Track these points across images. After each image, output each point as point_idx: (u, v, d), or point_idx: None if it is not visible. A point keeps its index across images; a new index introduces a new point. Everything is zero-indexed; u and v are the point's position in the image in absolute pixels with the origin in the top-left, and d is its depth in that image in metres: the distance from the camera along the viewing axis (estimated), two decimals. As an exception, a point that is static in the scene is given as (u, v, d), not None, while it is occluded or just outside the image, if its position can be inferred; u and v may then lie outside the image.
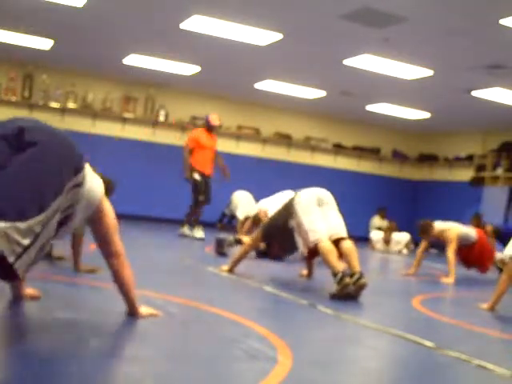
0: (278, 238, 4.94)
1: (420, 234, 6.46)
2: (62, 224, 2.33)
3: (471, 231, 6.45)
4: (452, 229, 6.30)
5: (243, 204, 10.08)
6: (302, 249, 4.54)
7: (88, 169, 2.49)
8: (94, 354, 2.18)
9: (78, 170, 2.35)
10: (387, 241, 10.43)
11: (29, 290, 2.93)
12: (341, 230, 4.53)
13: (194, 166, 8.46)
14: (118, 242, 2.70)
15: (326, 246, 4.31)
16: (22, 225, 2.05)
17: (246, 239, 6.68)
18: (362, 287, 4.12)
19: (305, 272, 5.28)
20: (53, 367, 1.95)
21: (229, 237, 6.54)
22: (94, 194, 2.53)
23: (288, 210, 4.68)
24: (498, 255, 6.91)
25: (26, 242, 2.07)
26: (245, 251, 5.01)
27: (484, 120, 11.50)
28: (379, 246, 10.48)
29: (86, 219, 2.61)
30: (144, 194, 11.41)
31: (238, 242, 6.54)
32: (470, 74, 8.38)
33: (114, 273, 2.72)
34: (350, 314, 3.55)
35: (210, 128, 8.58)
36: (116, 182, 4.13)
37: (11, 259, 2.04)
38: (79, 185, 2.37)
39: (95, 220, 2.62)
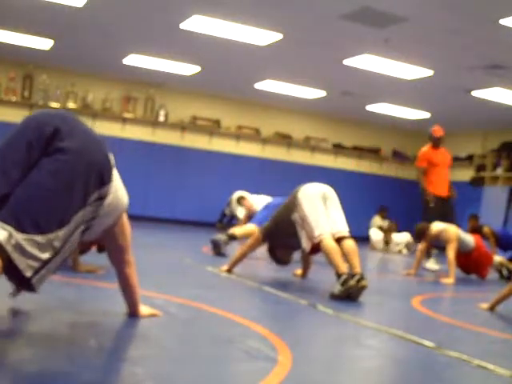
0: (280, 237, 4.80)
1: (417, 237, 6.45)
2: (83, 233, 2.26)
3: (469, 238, 6.43)
4: (451, 229, 6.30)
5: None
6: (305, 244, 4.43)
7: (116, 178, 2.35)
8: (93, 354, 2.18)
9: (106, 182, 2.23)
10: (387, 242, 10.42)
11: None
12: (343, 228, 4.48)
13: (428, 189, 7.57)
14: (131, 251, 2.70)
15: (330, 244, 4.25)
16: (40, 238, 1.98)
17: (238, 230, 6.68)
18: (362, 289, 4.11)
19: (299, 271, 5.25)
20: (53, 367, 1.95)
21: (222, 236, 6.49)
22: (119, 204, 2.41)
23: (291, 204, 4.57)
24: (497, 258, 6.91)
25: (44, 256, 2.00)
26: (244, 252, 4.92)
27: (484, 120, 11.50)
28: (379, 245, 10.47)
29: (104, 231, 2.51)
30: (144, 193, 11.41)
31: (232, 237, 6.51)
32: (470, 74, 8.38)
33: (125, 280, 2.71)
34: (350, 314, 3.55)
35: (435, 142, 7.73)
36: None
37: (28, 274, 1.98)
38: (103, 197, 2.26)
39: (116, 230, 2.54)
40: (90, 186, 2.16)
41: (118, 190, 2.39)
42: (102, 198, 2.24)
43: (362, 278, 4.08)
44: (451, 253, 6.13)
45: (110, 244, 2.63)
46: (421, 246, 6.46)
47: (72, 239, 2.14)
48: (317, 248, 4.42)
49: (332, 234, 4.37)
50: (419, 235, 6.42)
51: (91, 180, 2.16)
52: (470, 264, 6.41)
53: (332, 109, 12.28)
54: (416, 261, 6.45)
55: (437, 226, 6.37)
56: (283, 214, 4.67)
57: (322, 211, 4.45)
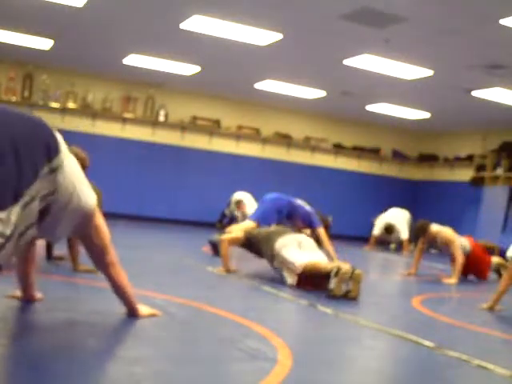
0: (257, 250, 5.06)
1: (418, 234, 6.40)
2: (43, 214, 2.29)
3: (465, 241, 6.44)
4: (447, 230, 6.31)
5: None
6: (291, 280, 4.57)
7: (69, 156, 2.41)
8: (93, 354, 2.18)
9: (52, 154, 2.28)
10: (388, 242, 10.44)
11: (37, 293, 2.93)
12: (322, 259, 4.66)
13: None
14: (113, 252, 2.71)
15: (313, 261, 4.46)
16: (1, 214, 2.02)
17: (235, 229, 6.68)
18: (359, 278, 4.14)
19: None
20: (53, 367, 1.95)
21: (220, 236, 6.48)
22: (83, 197, 2.46)
23: (270, 250, 4.75)
24: (495, 259, 6.90)
25: (7, 232, 2.05)
26: (226, 248, 5.08)
27: (484, 120, 11.49)
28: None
29: (77, 232, 2.58)
30: (144, 193, 11.41)
31: None
32: (470, 74, 8.38)
33: (112, 281, 2.74)
34: (350, 314, 3.55)
35: None
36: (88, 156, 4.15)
37: None
38: (55, 170, 2.29)
39: (91, 232, 2.60)
40: (38, 159, 2.22)
41: (77, 179, 2.42)
42: (54, 171, 2.28)
43: (354, 269, 4.18)
44: (458, 253, 6.13)
45: (88, 246, 2.68)
46: (418, 246, 6.45)
47: (28, 212, 2.16)
48: (304, 279, 4.53)
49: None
50: (419, 233, 6.39)
51: (38, 153, 2.22)
52: (468, 266, 6.39)
53: (332, 109, 12.28)
54: (415, 260, 6.45)
55: (436, 226, 6.37)
56: (266, 242, 4.84)
57: (299, 251, 4.66)
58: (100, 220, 2.63)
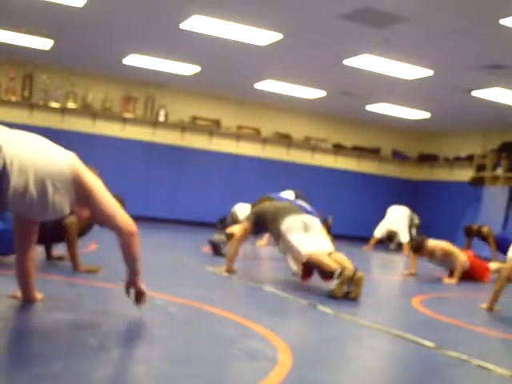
0: (265, 226, 4.94)
1: (415, 251, 6.34)
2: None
3: (464, 256, 6.42)
4: (446, 243, 6.31)
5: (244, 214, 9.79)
6: (294, 267, 4.57)
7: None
8: (94, 354, 2.18)
9: None
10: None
11: (37, 294, 2.94)
12: (329, 247, 4.62)
13: None
14: (124, 219, 2.74)
15: (318, 254, 4.42)
16: None
17: (236, 229, 6.68)
18: (360, 280, 4.14)
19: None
20: (53, 367, 1.95)
21: (221, 237, 6.49)
22: (57, 157, 2.58)
23: (276, 230, 4.70)
24: (493, 266, 6.89)
25: None
26: (236, 247, 5.04)
27: (484, 120, 11.50)
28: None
29: (80, 199, 2.64)
30: (144, 194, 11.41)
31: (231, 236, 6.50)
32: (470, 74, 8.38)
33: (122, 248, 2.77)
34: (349, 314, 3.56)
35: None
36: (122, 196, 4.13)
37: None
38: None
39: (92, 198, 2.66)
40: None
41: (35, 143, 2.56)
42: None
43: (356, 271, 4.17)
44: (460, 255, 6.13)
45: (95, 216, 2.75)
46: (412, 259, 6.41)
47: None
48: (308, 269, 4.54)
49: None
50: (416, 251, 6.35)
51: None
52: (467, 274, 6.38)
53: (332, 109, 12.28)
54: (412, 261, 6.43)
55: (432, 241, 6.33)
56: (273, 220, 4.77)
57: (304, 236, 4.61)
58: (92, 184, 2.67)
